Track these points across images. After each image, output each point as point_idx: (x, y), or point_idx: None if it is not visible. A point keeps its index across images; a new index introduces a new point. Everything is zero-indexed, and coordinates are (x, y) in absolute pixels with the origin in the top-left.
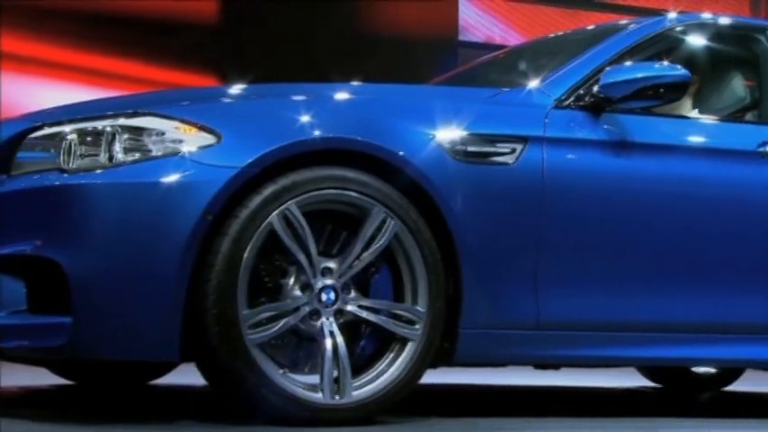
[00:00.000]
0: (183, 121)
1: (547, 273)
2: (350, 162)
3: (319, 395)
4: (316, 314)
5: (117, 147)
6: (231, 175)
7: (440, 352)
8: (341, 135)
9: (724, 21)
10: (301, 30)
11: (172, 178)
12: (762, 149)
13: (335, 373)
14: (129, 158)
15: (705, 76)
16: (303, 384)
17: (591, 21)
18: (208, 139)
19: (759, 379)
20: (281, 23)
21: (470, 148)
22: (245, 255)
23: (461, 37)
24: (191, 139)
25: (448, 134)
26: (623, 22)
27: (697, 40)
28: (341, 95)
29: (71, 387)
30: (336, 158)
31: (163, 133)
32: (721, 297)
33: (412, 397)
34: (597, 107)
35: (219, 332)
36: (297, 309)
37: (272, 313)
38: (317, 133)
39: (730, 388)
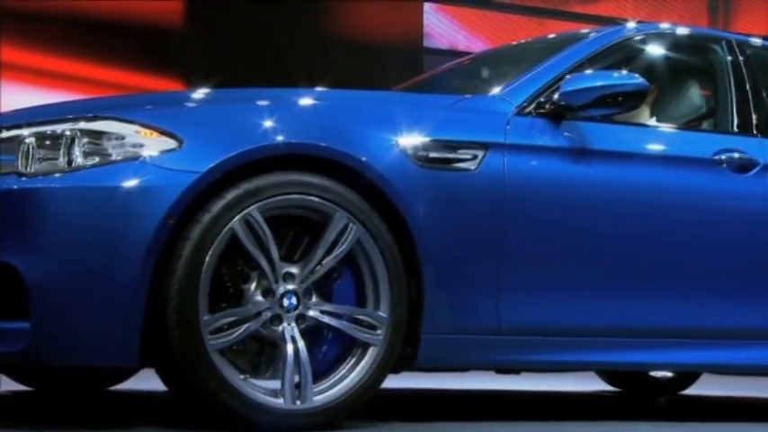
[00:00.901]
0: (143, 126)
1: (508, 278)
2: (313, 167)
3: (280, 400)
4: (277, 319)
5: (76, 151)
6: (193, 180)
7: (402, 357)
8: (304, 140)
9: (682, 31)
10: (266, 35)
11: (132, 182)
12: (717, 157)
13: (297, 379)
14: (89, 162)
15: (663, 84)
16: (264, 389)
17: (554, 29)
18: (169, 143)
19: (715, 383)
20: (246, 28)
21: (432, 155)
22: (207, 259)
23: (426, 43)
24: (152, 144)
25: (410, 140)
26: (584, 30)
27: (655, 50)
28: (305, 101)
29: (30, 393)
30: (300, 164)
31: (123, 137)
32: (677, 302)
33: (374, 402)
34: (558, 115)
35: (180, 337)
36: (258, 314)
37: (234, 318)
38: (280, 138)
39: (687, 392)
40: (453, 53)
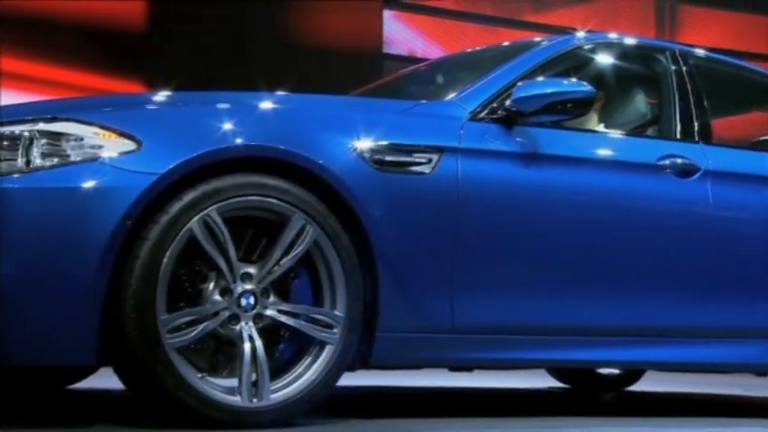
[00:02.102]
0: (102, 127)
1: (461, 278)
2: (272, 170)
3: (237, 398)
4: (235, 319)
5: (35, 152)
6: (151, 181)
7: (357, 355)
8: (263, 143)
9: (629, 41)
10: (229, 39)
11: (90, 184)
12: (661, 162)
13: (254, 377)
14: (47, 163)
15: (611, 92)
16: (221, 388)
17: (508, 37)
18: (128, 145)
19: (659, 379)
20: (208, 31)
21: (388, 158)
22: (165, 260)
23: (386, 50)
24: (110, 145)
25: (367, 144)
26: (536, 39)
27: (604, 59)
28: (264, 105)
29: None
30: (259, 166)
31: (82, 139)
32: (624, 302)
33: (330, 399)
34: (510, 120)
35: (138, 336)
36: (216, 313)
37: (192, 318)
38: (239, 141)
39: (633, 388)
40: (412, 59)
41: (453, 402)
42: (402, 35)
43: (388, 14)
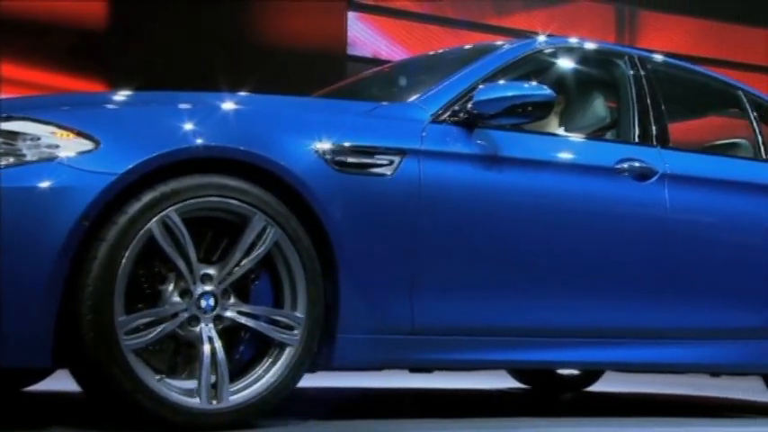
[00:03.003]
0: (59, 127)
1: (422, 280)
2: (233, 171)
3: (196, 400)
4: (194, 320)
5: None
6: (109, 182)
7: (318, 357)
8: (224, 144)
9: (589, 45)
10: (191, 39)
11: (46, 183)
12: (619, 166)
13: (213, 379)
14: (2, 163)
15: (571, 95)
16: (180, 390)
17: (471, 40)
18: (85, 144)
19: (617, 380)
20: (170, 31)
21: (350, 159)
22: (123, 261)
23: (350, 51)
24: (67, 145)
25: (328, 145)
26: (498, 42)
27: (564, 62)
28: (226, 105)
29: None
30: (220, 167)
31: (38, 138)
32: (582, 303)
33: (291, 401)
34: (471, 123)
35: (95, 338)
36: (175, 315)
37: (150, 319)
38: (199, 141)
39: (591, 388)
40: (376, 61)
41: (413, 403)
42: (366, 37)
43: (352, 16)
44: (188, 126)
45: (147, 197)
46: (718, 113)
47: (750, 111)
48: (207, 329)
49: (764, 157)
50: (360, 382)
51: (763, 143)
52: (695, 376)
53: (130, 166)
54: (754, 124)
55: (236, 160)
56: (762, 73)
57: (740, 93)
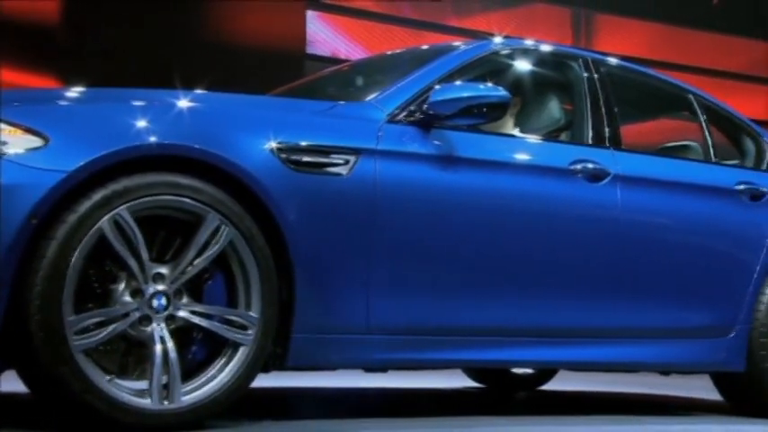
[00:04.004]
0: (7, 123)
1: (377, 280)
2: (187, 169)
3: (147, 401)
4: (146, 320)
5: None
6: (58, 179)
7: (272, 356)
8: (177, 142)
9: (544, 47)
10: (147, 36)
11: None
12: (573, 167)
13: (165, 379)
14: None
15: (526, 97)
16: (131, 390)
17: (431, 40)
18: (34, 141)
19: (571, 379)
20: (126, 28)
21: (305, 159)
22: (73, 260)
23: (309, 50)
24: (16, 141)
25: (284, 144)
26: (455, 42)
27: (520, 64)
28: (180, 103)
29: None
30: (174, 165)
31: None
32: (536, 303)
33: (244, 401)
34: (427, 123)
35: (43, 338)
36: (126, 314)
37: (100, 319)
38: (152, 139)
39: (545, 387)
40: (335, 60)
41: (368, 403)
42: (325, 36)
43: (311, 15)
44: (141, 123)
45: (98, 195)
46: (669, 116)
47: (700, 114)
48: (159, 329)
49: (714, 159)
50: (315, 381)
51: (713, 146)
52: (649, 375)
53: (81, 164)
54: (704, 127)
55: (190, 158)
56: (714, 77)
57: (691, 96)
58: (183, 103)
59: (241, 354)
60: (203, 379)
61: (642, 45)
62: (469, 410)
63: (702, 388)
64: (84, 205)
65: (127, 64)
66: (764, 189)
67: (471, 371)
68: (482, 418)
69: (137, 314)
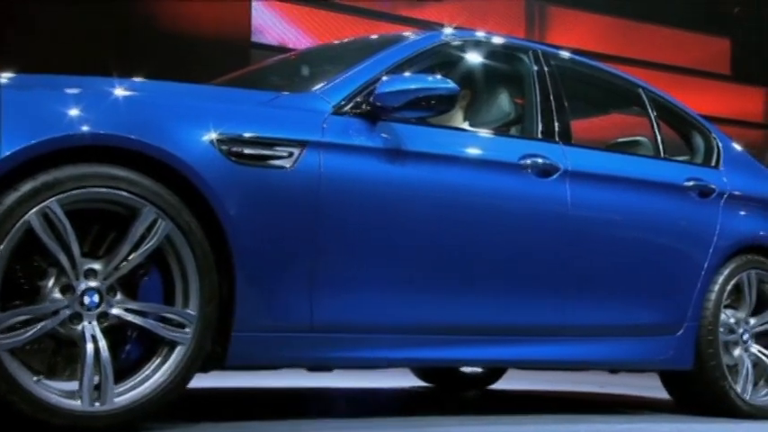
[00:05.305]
0: None
1: (321, 276)
2: (123, 160)
3: (77, 402)
4: (77, 318)
5: None
6: None
7: (211, 355)
8: (112, 132)
9: (495, 39)
10: (88, 24)
11: None
12: (523, 162)
13: (97, 379)
14: None
15: (476, 89)
16: (60, 391)
17: (383, 30)
18: None
19: (520, 378)
20: (63, 16)
21: (247, 151)
22: None
23: (254, 39)
24: None
25: (225, 136)
26: (404, 33)
27: (470, 56)
28: (116, 91)
29: None
30: (109, 156)
31: None
32: (484, 300)
33: (181, 402)
34: (374, 115)
35: None
36: (56, 312)
37: (28, 317)
38: (85, 128)
39: (494, 386)
40: (281, 49)
41: (312, 403)
42: (272, 24)
43: (257, 3)
44: (74, 112)
45: (25, 187)
46: (620, 111)
47: (650, 109)
48: (90, 327)
49: (663, 155)
50: (255, 381)
51: (663, 141)
52: (600, 373)
53: (7, 153)
54: (654, 122)
55: (125, 149)
56: (667, 71)
57: (641, 91)
58: (120, 91)
59: (178, 353)
60: (138, 379)
61: (596, 38)
62: (418, 410)
63: (652, 387)
64: (11, 197)
65: (60, 50)
66: (713, 186)
67: (419, 370)
68: (431, 419)
69: (67, 312)
